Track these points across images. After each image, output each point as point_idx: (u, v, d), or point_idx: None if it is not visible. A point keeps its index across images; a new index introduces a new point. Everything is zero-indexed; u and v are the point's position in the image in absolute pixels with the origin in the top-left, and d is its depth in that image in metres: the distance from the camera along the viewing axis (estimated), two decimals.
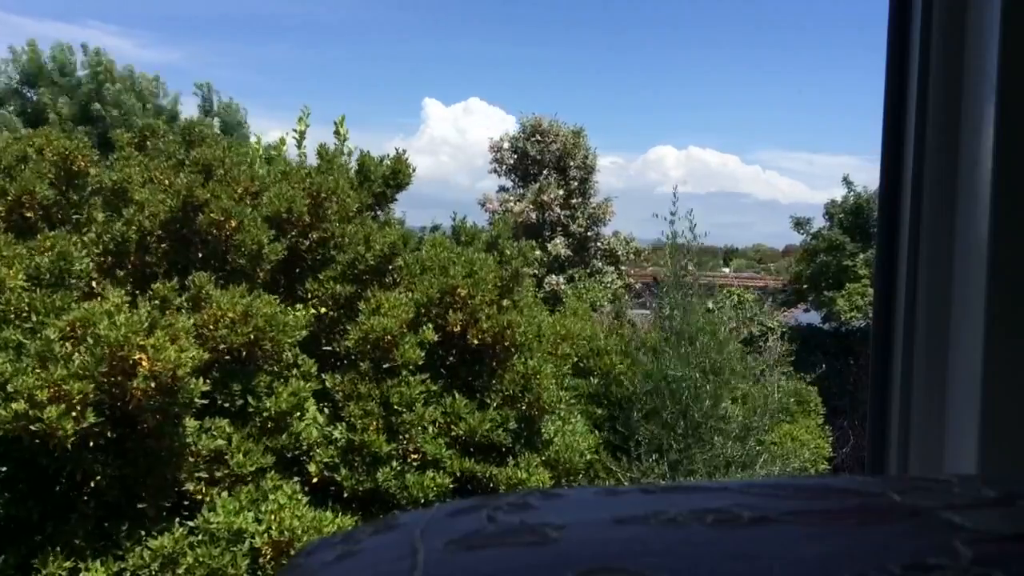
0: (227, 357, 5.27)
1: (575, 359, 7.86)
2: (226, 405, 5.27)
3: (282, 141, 7.74)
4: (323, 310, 6.08)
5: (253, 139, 8.66)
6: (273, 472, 5.30)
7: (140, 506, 4.90)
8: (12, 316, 4.93)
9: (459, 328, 6.00)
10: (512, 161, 17.63)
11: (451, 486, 5.70)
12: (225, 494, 5.02)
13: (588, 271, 16.68)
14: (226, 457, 5.08)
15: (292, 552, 4.77)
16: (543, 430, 6.40)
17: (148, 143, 6.64)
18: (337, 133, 7.43)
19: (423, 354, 5.84)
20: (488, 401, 6.10)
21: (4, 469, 4.83)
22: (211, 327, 5.17)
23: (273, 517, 4.91)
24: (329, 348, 6.10)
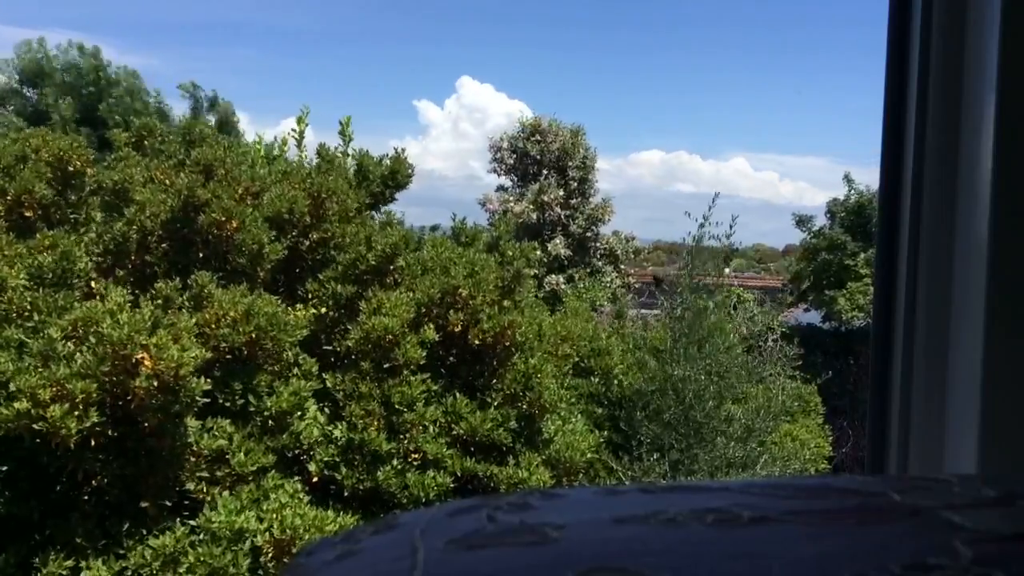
0: (228, 356, 5.28)
1: (576, 359, 7.87)
2: (227, 404, 5.27)
3: (283, 141, 7.75)
4: (323, 310, 6.08)
5: (254, 138, 8.66)
6: (274, 471, 5.31)
7: (142, 505, 4.91)
8: (14, 315, 4.94)
9: (460, 328, 6.00)
10: (512, 161, 17.63)
11: (452, 485, 5.70)
12: (226, 493, 5.02)
13: (588, 271, 16.69)
14: (227, 457, 5.08)
15: (294, 551, 4.78)
16: (543, 429, 6.41)
17: (145, 143, 6.64)
18: (342, 134, 7.43)
19: (424, 353, 5.84)
20: (489, 401, 6.10)
21: (5, 468, 4.84)
22: (212, 326, 5.17)
23: (275, 516, 4.91)
24: (329, 348, 6.10)
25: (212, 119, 17.58)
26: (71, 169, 5.94)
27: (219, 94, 18.86)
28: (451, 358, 6.32)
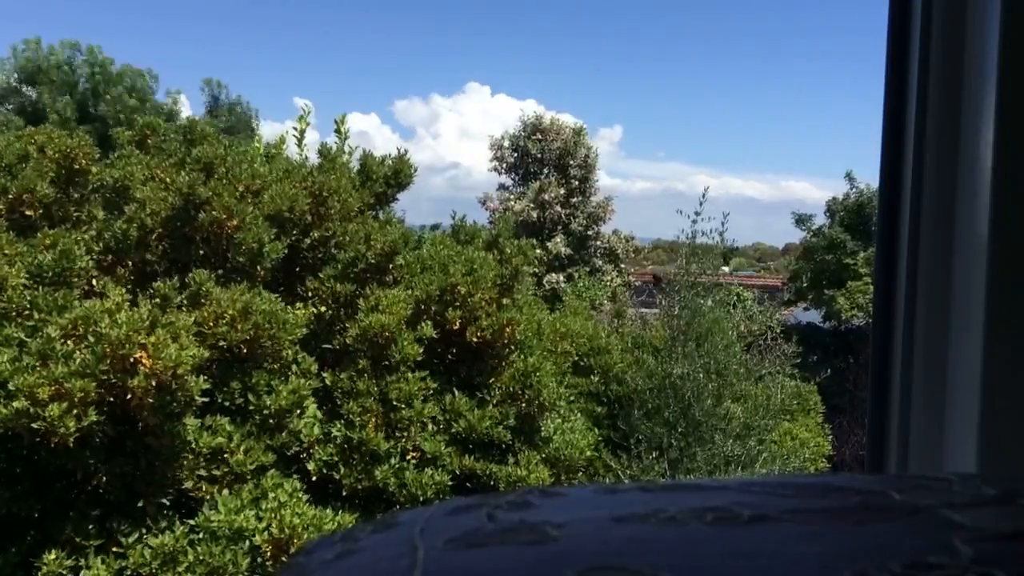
0: (227, 355, 5.27)
1: (575, 357, 7.87)
2: (225, 403, 5.27)
3: (282, 140, 7.74)
4: (323, 308, 6.08)
5: (256, 137, 8.65)
6: (273, 470, 5.31)
7: (139, 504, 4.91)
8: (13, 314, 4.93)
9: (458, 326, 6.00)
10: (513, 159, 17.63)
11: (450, 484, 5.71)
12: (226, 492, 5.02)
13: (588, 269, 16.69)
14: (225, 455, 5.08)
15: (292, 550, 4.78)
16: (543, 428, 6.41)
17: (149, 141, 6.64)
18: (338, 132, 7.42)
19: (421, 350, 5.84)
20: (487, 399, 6.10)
21: (4, 467, 4.84)
22: (210, 324, 5.17)
23: (273, 515, 4.91)
24: (328, 346, 6.10)
25: (226, 120, 17.59)
26: (76, 167, 5.94)
27: (242, 96, 18.89)
28: (449, 356, 6.32)
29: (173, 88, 18.73)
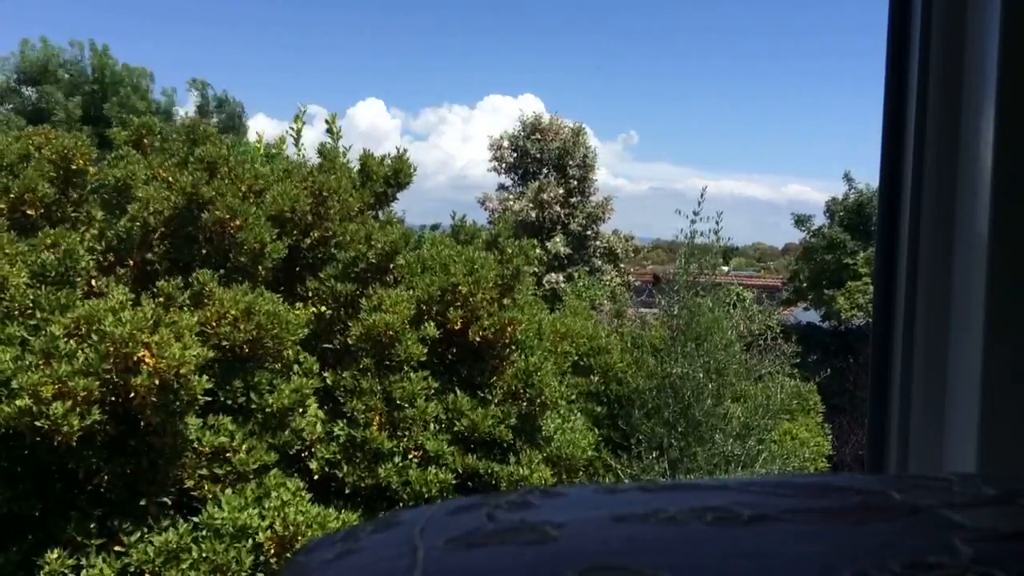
0: (229, 354, 5.28)
1: (575, 357, 7.87)
2: (228, 402, 5.27)
3: (282, 140, 7.74)
4: (323, 308, 6.08)
5: (254, 136, 8.66)
6: (275, 469, 5.31)
7: (141, 503, 4.91)
8: (16, 313, 4.94)
9: (460, 326, 6.00)
10: (512, 159, 17.61)
11: (453, 482, 5.71)
12: (229, 491, 5.03)
13: (587, 269, 16.67)
14: (228, 454, 5.08)
15: (296, 547, 4.78)
16: (543, 427, 6.41)
17: (145, 140, 6.63)
18: (330, 131, 7.42)
19: (425, 350, 5.85)
20: (489, 398, 6.10)
21: (5, 466, 4.84)
22: (213, 324, 5.17)
23: (277, 513, 4.92)
24: (329, 346, 6.10)
25: (216, 119, 17.60)
26: (74, 167, 5.94)
27: (229, 93, 18.87)
28: (451, 356, 6.32)
29: (169, 87, 18.71)
